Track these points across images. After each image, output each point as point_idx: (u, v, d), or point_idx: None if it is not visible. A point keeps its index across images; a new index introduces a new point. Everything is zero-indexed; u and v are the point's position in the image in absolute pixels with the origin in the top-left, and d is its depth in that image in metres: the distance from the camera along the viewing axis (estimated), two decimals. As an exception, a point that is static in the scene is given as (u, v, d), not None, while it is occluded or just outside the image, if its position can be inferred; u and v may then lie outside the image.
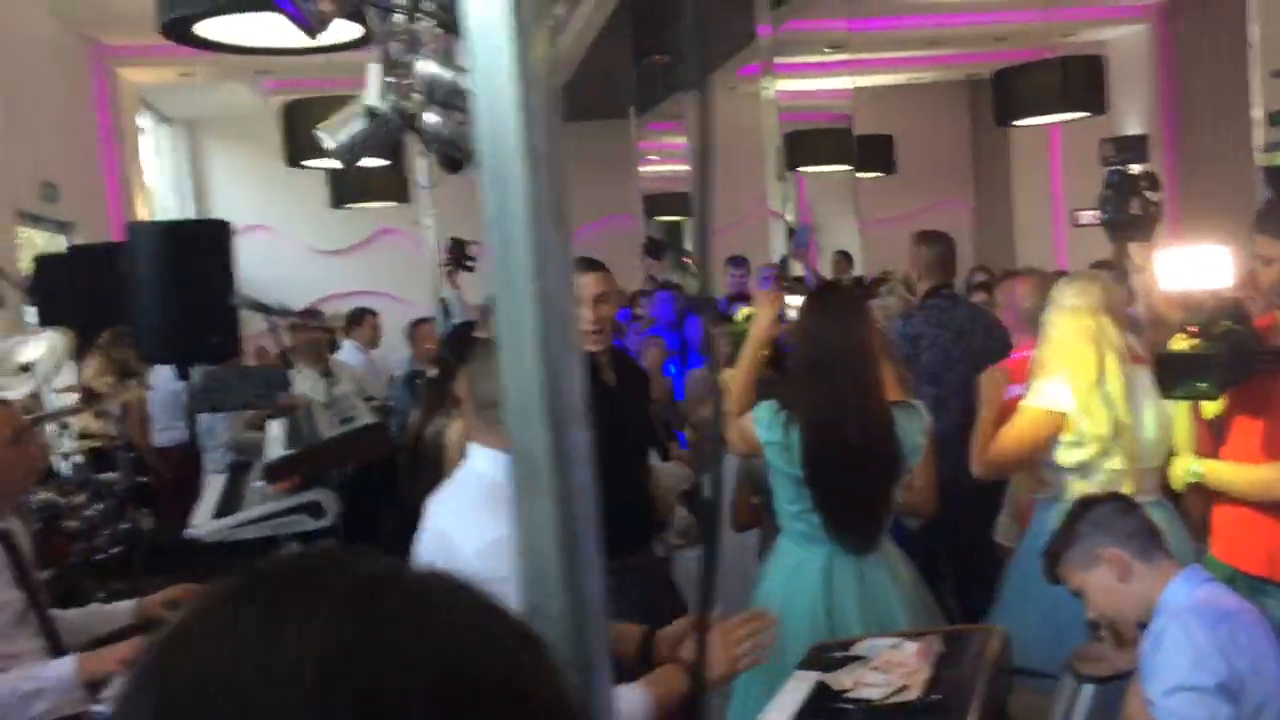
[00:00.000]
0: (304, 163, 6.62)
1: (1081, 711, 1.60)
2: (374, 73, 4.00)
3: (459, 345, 4.25)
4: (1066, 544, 2.27)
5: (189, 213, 10.44)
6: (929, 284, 4.32)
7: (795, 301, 3.18)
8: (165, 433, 5.50)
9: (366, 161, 5.72)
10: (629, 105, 9.57)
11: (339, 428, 3.54)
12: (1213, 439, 2.89)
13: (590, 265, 3.12)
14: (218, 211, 10.22)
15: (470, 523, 1.90)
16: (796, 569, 2.85)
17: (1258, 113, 5.84)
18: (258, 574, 0.56)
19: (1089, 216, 4.27)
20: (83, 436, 4.72)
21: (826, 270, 8.79)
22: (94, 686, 2.70)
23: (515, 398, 0.83)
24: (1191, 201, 8.47)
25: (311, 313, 6.39)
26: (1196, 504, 3.06)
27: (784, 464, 2.86)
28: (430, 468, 3.94)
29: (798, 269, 8.30)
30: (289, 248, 10.52)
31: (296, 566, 0.57)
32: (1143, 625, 2.18)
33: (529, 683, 0.52)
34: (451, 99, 3.83)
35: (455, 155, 5.07)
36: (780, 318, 3.24)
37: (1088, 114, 7.48)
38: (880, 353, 2.79)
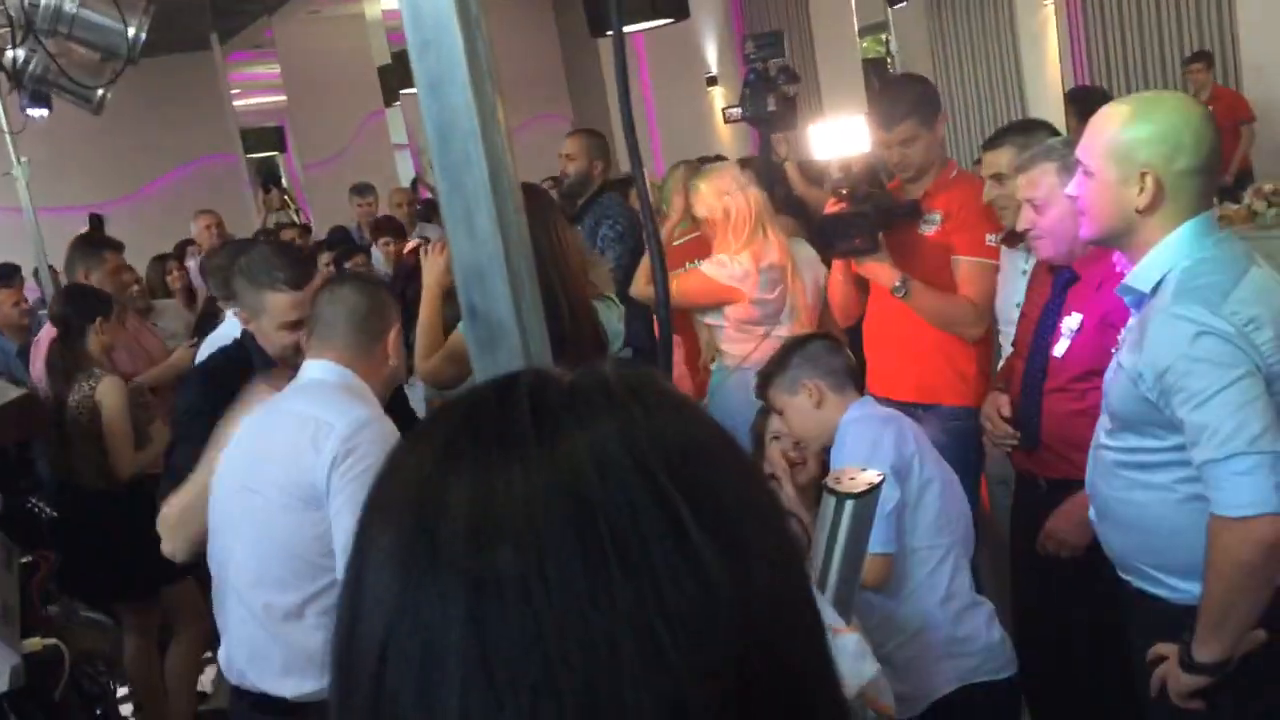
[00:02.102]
0: None
1: (845, 526, 1.81)
2: (-59, 5, 3.49)
3: (83, 300, 3.90)
4: (778, 370, 2.53)
5: None
6: (606, 176, 4.45)
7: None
8: None
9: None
10: (211, 34, 8.90)
11: (-24, 408, 3.13)
12: (860, 294, 3.29)
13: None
14: None
15: (336, 406, 2.12)
16: None
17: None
18: (473, 411, 0.55)
19: (735, 113, 4.57)
20: None
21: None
22: None
23: (471, 265, 0.84)
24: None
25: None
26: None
27: None
28: (82, 435, 3.61)
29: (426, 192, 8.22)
30: None
31: (511, 393, 0.55)
32: (826, 450, 2.50)
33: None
34: (56, 25, 3.43)
35: (47, 91, 4.51)
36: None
37: (672, 20, 7.95)
38: (573, 247, 2.89)
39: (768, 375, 2.55)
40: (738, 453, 0.56)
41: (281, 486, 2.09)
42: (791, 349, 2.55)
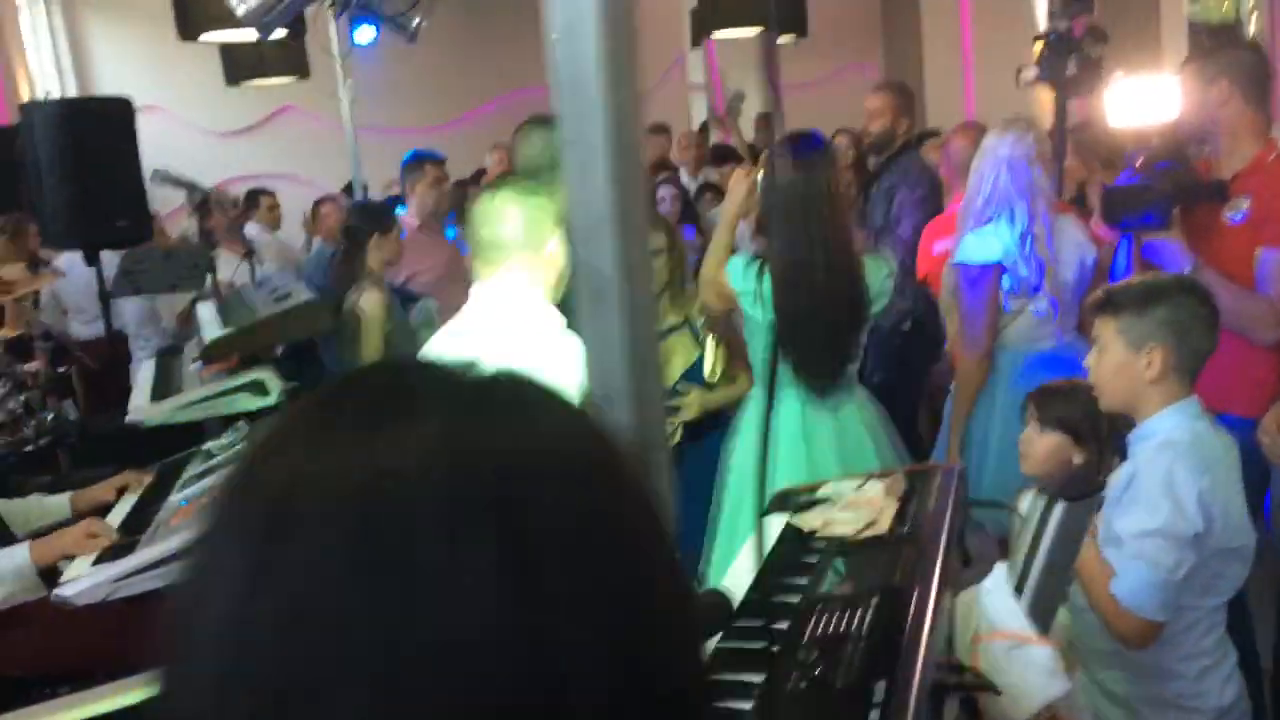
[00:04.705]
0: (201, 36, 6.24)
1: (1051, 530, 1.66)
2: (288, -66, 3.79)
3: (365, 215, 4.16)
4: (1132, 309, 2.12)
5: (71, 94, 9.86)
6: (909, 134, 4.29)
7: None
8: (93, 324, 5.26)
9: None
10: (536, -31, 9.24)
11: (275, 306, 3.46)
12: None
13: None
14: (101, 92, 9.64)
15: (530, 328, 2.15)
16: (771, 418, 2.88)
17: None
18: (344, 385, 0.56)
19: (1030, 75, 4.27)
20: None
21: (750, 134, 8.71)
22: (49, 574, 2.67)
23: (584, 217, 0.82)
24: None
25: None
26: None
27: (757, 312, 2.92)
28: (351, 340, 3.90)
29: (715, 135, 8.25)
30: (182, 129, 10.04)
31: (381, 376, 0.57)
32: (1111, 416, 2.25)
33: (626, 465, 0.54)
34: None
35: (374, 20, 4.82)
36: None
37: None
38: (846, 202, 2.83)
39: (1118, 303, 2.13)
40: (605, 477, 0.53)
41: None
42: (1165, 295, 2.11)
